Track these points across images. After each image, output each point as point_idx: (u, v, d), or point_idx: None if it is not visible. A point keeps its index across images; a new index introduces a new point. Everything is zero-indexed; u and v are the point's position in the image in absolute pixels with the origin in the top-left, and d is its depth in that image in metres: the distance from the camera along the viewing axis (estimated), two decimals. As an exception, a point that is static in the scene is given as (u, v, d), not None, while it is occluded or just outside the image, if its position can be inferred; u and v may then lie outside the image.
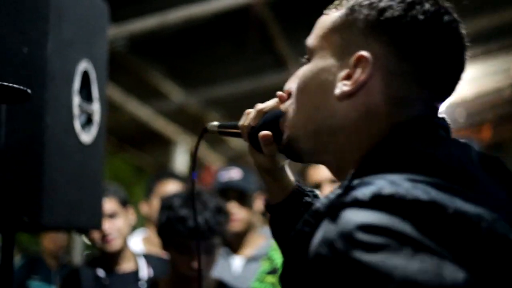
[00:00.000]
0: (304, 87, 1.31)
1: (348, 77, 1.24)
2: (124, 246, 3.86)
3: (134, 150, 9.02)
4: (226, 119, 8.38)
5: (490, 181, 1.17)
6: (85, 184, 2.54)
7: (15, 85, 1.60)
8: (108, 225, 3.74)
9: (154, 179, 4.89)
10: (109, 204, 3.83)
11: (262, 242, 3.87)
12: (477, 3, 6.57)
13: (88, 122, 2.57)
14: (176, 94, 7.26)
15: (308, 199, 1.60)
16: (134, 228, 4.22)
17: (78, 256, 6.65)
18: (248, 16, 5.38)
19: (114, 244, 3.80)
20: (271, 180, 1.60)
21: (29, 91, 1.63)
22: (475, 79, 8.54)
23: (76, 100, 2.44)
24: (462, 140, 1.25)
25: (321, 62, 1.29)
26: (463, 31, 1.29)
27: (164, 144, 8.41)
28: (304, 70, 1.33)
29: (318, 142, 1.29)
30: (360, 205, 0.99)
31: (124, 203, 3.95)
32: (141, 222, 5.46)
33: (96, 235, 3.82)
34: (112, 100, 6.17)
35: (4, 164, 2.20)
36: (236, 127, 1.61)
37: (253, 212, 3.98)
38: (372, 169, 1.12)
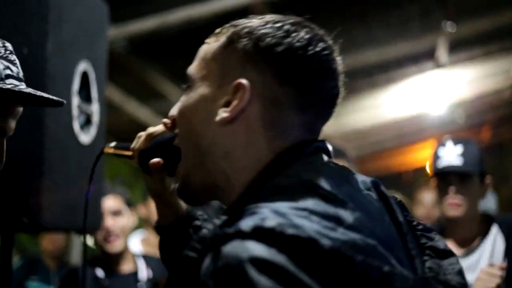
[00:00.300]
0: (186, 116, 1.32)
1: (227, 104, 1.25)
2: (125, 247, 3.86)
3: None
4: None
5: (374, 204, 1.24)
6: (85, 185, 2.54)
7: (54, 98, 1.64)
8: (111, 223, 3.73)
9: None
10: (114, 202, 3.83)
11: None
12: (477, 4, 6.58)
13: (87, 122, 2.57)
14: (175, 95, 7.25)
15: (197, 222, 1.58)
16: (132, 229, 4.21)
17: (76, 257, 6.64)
18: (247, 16, 5.38)
19: (116, 245, 3.79)
20: (161, 204, 1.60)
21: (63, 101, 1.68)
22: (475, 80, 8.55)
23: (76, 100, 2.44)
24: (339, 165, 1.28)
25: (201, 90, 1.31)
26: (337, 57, 1.32)
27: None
28: (185, 100, 1.34)
29: (206, 173, 1.29)
30: (242, 236, 0.99)
31: (129, 203, 3.95)
32: (139, 223, 5.45)
33: (98, 235, 3.81)
34: (111, 101, 6.16)
35: (4, 165, 2.20)
36: (129, 149, 1.61)
37: None
38: (257, 197, 1.13)
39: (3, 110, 1.60)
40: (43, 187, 2.22)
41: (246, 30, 1.29)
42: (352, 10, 5.99)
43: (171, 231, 1.59)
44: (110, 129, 4.44)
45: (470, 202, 3.12)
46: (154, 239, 4.10)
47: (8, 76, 1.57)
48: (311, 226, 1.02)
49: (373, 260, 1.02)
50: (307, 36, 1.27)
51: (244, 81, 1.23)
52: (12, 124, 1.64)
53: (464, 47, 7.43)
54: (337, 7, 5.89)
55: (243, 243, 0.98)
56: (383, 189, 1.31)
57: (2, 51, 1.61)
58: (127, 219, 3.86)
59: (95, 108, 2.61)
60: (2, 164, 1.66)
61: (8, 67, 1.59)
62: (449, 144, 3.21)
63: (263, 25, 1.29)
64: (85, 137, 2.52)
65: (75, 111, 2.43)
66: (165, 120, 1.46)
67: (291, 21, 1.31)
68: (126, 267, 3.84)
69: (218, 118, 1.25)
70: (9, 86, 1.54)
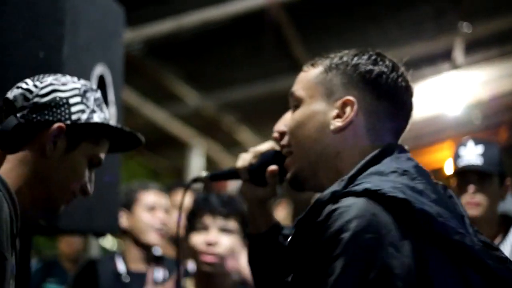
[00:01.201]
0: (302, 126, 1.69)
1: (337, 116, 1.64)
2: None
3: (150, 153, 9.04)
4: (241, 122, 8.40)
5: (446, 195, 1.63)
6: (102, 188, 2.55)
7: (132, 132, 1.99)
8: (163, 217, 3.85)
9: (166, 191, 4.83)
10: (165, 199, 3.95)
11: None
12: (493, 4, 6.55)
13: (104, 125, 2.57)
14: (191, 97, 7.27)
15: (287, 231, 2.01)
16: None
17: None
18: (263, 19, 5.38)
19: (152, 237, 3.84)
20: (261, 212, 2.04)
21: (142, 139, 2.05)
22: (491, 81, 8.50)
23: (92, 104, 2.44)
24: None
25: (312, 106, 1.68)
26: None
27: (180, 148, 8.42)
28: (298, 114, 1.71)
29: (319, 168, 1.67)
30: (356, 195, 1.43)
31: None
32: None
33: (147, 221, 3.86)
34: (128, 104, 6.18)
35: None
36: (228, 172, 2.10)
37: None
38: (362, 177, 1.53)
39: (102, 142, 1.92)
40: (60, 190, 2.23)
41: (341, 60, 1.69)
42: (367, 11, 5.98)
43: (263, 239, 2.03)
44: (127, 132, 4.44)
45: (489, 202, 3.11)
46: (170, 244, 4.15)
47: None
48: (405, 192, 1.44)
49: (451, 222, 1.44)
50: (390, 63, 1.68)
51: (351, 98, 1.63)
52: (103, 156, 1.95)
53: (481, 48, 7.40)
54: (352, 8, 5.88)
55: (357, 199, 1.42)
56: (448, 190, 1.67)
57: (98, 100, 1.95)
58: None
59: (111, 111, 2.61)
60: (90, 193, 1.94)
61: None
62: (470, 144, 3.22)
63: (353, 57, 1.68)
64: (102, 140, 2.52)
65: (91, 114, 2.44)
66: (274, 134, 1.92)
67: (373, 52, 1.70)
68: (143, 265, 3.84)
69: (332, 127, 1.64)
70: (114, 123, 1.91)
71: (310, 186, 1.73)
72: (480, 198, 3.09)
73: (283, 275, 1.58)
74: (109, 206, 2.63)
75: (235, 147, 8.96)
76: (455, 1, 6.26)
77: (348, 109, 1.63)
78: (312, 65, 1.74)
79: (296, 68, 6.74)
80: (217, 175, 2.15)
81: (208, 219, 2.95)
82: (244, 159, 2.01)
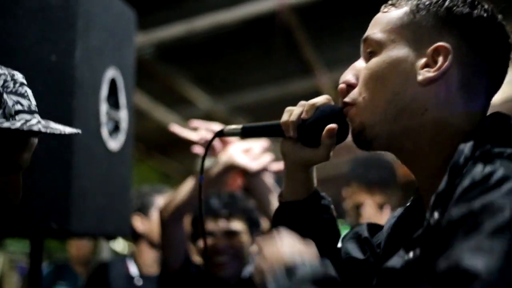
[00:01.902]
0: (381, 76, 1.42)
1: (426, 65, 1.39)
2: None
3: (162, 156, 9.05)
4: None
5: None
6: (113, 191, 2.56)
7: (66, 131, 1.66)
8: None
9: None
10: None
11: None
12: (499, 8, 6.53)
13: (115, 129, 2.58)
14: (203, 101, 7.28)
15: (325, 202, 1.68)
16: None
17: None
18: (274, 22, 5.38)
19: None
20: (303, 176, 1.66)
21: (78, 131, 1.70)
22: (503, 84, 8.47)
23: (104, 107, 2.45)
24: None
25: (395, 53, 1.42)
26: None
27: (191, 151, 8.42)
28: (377, 61, 1.44)
29: (397, 126, 1.41)
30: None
31: None
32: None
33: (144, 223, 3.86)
34: (139, 107, 6.19)
35: (32, 171, 2.22)
36: (269, 126, 1.66)
37: None
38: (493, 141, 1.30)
39: (15, 145, 1.57)
40: (71, 193, 2.24)
41: (431, 0, 1.42)
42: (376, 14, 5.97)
43: (305, 206, 1.66)
44: (139, 135, 4.46)
45: None
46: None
47: (18, 112, 1.55)
48: None
49: None
50: (490, 9, 1.42)
51: (446, 44, 1.37)
52: (27, 156, 1.62)
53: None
54: (363, 11, 5.87)
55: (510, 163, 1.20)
56: None
57: (11, 85, 1.57)
58: None
59: (123, 115, 2.62)
60: (19, 199, 1.61)
61: (18, 102, 1.56)
62: None
63: None
64: (114, 144, 2.53)
65: (103, 118, 2.44)
66: (341, 85, 1.51)
67: None
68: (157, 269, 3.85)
69: (421, 77, 1.38)
70: (18, 124, 1.50)
71: (381, 145, 1.46)
72: None
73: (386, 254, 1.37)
74: (120, 209, 2.64)
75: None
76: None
77: (441, 58, 1.38)
78: (393, 4, 1.48)
79: (307, 71, 6.76)
80: (253, 129, 1.72)
81: (210, 224, 2.86)
82: (292, 113, 1.61)
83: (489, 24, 1.41)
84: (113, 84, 2.54)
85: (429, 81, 1.38)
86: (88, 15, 2.36)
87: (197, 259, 3.08)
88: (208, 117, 7.49)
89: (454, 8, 1.40)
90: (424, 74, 1.38)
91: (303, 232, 1.58)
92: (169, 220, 2.77)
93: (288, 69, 6.75)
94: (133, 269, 3.86)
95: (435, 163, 1.39)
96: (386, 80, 1.42)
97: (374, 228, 1.68)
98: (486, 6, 1.42)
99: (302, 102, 1.61)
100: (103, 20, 2.49)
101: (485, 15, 1.41)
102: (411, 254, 1.31)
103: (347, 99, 1.49)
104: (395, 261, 1.37)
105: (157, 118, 7.14)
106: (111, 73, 2.52)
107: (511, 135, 1.35)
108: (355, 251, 1.63)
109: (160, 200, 3.92)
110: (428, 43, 1.40)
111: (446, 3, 1.41)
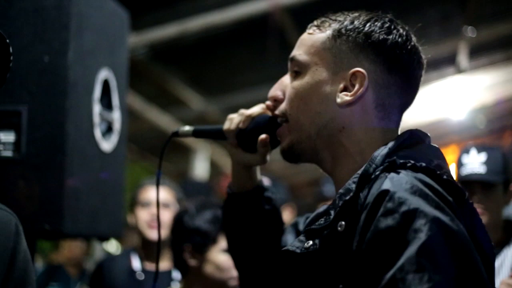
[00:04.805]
0: (304, 96, 1.56)
1: (345, 88, 1.52)
2: (164, 242, 3.89)
3: (155, 158, 9.05)
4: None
5: None
6: (106, 192, 2.55)
7: None
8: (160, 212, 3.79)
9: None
10: (166, 194, 3.91)
11: None
12: (497, 9, 6.55)
13: (108, 130, 2.58)
14: (196, 101, 7.28)
15: (269, 194, 1.91)
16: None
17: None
18: (267, 23, 5.38)
19: (149, 232, 3.83)
20: (247, 174, 1.89)
21: None
22: (495, 85, 8.50)
23: (97, 108, 2.45)
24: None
25: (316, 75, 1.56)
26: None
27: (184, 152, 8.42)
28: (300, 83, 1.58)
29: (319, 142, 1.55)
30: (415, 169, 1.38)
31: (178, 201, 3.98)
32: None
33: (143, 218, 3.84)
34: (132, 108, 6.19)
35: (25, 172, 2.22)
36: (214, 130, 1.90)
37: None
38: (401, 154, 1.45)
39: None
40: (64, 194, 2.23)
41: (352, 26, 1.55)
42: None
43: (248, 197, 1.88)
44: (131, 136, 4.45)
45: (493, 210, 3.07)
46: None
47: None
48: (433, 167, 1.40)
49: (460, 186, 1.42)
50: (404, 32, 1.55)
51: (362, 70, 1.51)
52: None
53: (485, 52, 7.40)
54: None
55: (415, 173, 1.37)
56: None
57: None
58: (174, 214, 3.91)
59: (116, 116, 2.62)
60: None
61: None
62: (473, 151, 3.17)
63: (366, 22, 1.55)
64: (107, 145, 2.53)
65: (96, 119, 2.44)
66: (268, 102, 1.73)
67: (386, 18, 1.57)
68: (161, 264, 3.85)
69: (339, 100, 1.52)
70: None
71: (307, 159, 1.61)
72: (484, 207, 3.04)
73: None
74: (113, 210, 2.63)
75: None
76: (460, 5, 6.26)
77: (357, 82, 1.51)
78: (318, 27, 1.61)
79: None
80: (201, 131, 1.93)
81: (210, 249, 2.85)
82: (232, 121, 1.84)
83: (403, 47, 1.53)
84: (106, 84, 2.54)
85: (346, 104, 1.52)
86: (81, 16, 2.36)
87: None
88: (201, 118, 7.50)
89: (372, 33, 1.53)
90: (342, 98, 1.52)
91: (246, 220, 1.87)
92: None
93: (281, 69, 6.69)
94: (136, 263, 3.86)
95: (348, 172, 1.50)
96: (309, 100, 1.56)
97: (313, 218, 1.78)
98: (401, 31, 1.55)
99: (241, 111, 1.83)
100: (96, 21, 2.49)
101: (399, 40, 1.53)
102: (310, 242, 1.44)
103: (276, 112, 1.66)
104: (296, 244, 1.47)
105: (150, 118, 7.14)
106: (104, 73, 2.52)
107: (418, 149, 1.50)
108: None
109: (141, 195, 3.95)
110: (347, 68, 1.52)
111: (365, 29, 1.53)
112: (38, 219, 2.22)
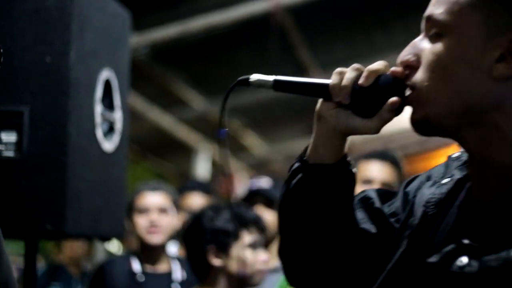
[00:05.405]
0: (450, 65, 1.26)
1: (502, 57, 1.22)
2: (164, 245, 3.88)
3: (156, 158, 9.05)
4: (247, 127, 8.40)
5: None
6: (108, 192, 2.56)
7: None
8: (156, 217, 3.79)
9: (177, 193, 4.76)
10: (162, 199, 3.88)
11: None
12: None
13: (110, 130, 2.58)
14: (197, 102, 7.28)
15: (352, 168, 1.50)
16: (173, 230, 4.18)
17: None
18: (268, 24, 5.39)
19: (158, 238, 3.82)
20: (339, 144, 1.47)
21: None
22: None
23: (99, 108, 2.45)
24: None
25: (463, 40, 1.25)
26: None
27: (186, 152, 8.43)
28: (443, 49, 1.26)
29: (466, 120, 1.26)
30: None
31: (175, 203, 3.98)
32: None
33: (142, 224, 3.84)
34: (134, 109, 6.19)
35: (27, 172, 2.22)
36: (314, 84, 1.46)
37: None
38: None
39: None
40: (66, 195, 2.24)
41: None
42: (374, 15, 5.98)
43: (334, 169, 1.46)
44: (133, 136, 4.45)
45: None
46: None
47: None
48: None
49: None
50: None
51: None
52: None
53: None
54: (358, 12, 5.88)
55: None
56: None
57: None
58: (172, 218, 3.89)
59: (118, 116, 2.62)
60: None
61: None
62: None
63: None
64: (108, 145, 2.53)
65: (98, 119, 2.44)
66: (396, 68, 1.37)
67: None
68: (160, 266, 3.86)
69: (496, 72, 1.22)
70: None
71: (445, 134, 1.32)
72: None
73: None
74: (115, 210, 2.64)
75: (241, 152, 8.97)
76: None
77: None
78: None
79: (301, 73, 6.78)
80: (289, 83, 1.50)
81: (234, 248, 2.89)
82: (345, 76, 1.39)
83: None
84: (107, 85, 2.54)
85: (504, 78, 1.22)
86: (82, 16, 2.36)
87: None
88: (203, 118, 7.51)
89: None
90: (500, 69, 1.22)
91: (327, 196, 1.46)
92: None
93: (283, 70, 6.73)
94: (136, 266, 3.87)
95: (504, 163, 1.25)
96: (455, 70, 1.25)
97: (385, 195, 1.53)
98: None
99: (356, 66, 1.41)
100: (98, 21, 2.49)
101: None
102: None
103: (412, 81, 1.32)
104: (496, 259, 1.16)
105: (152, 119, 7.14)
106: (105, 74, 2.52)
107: None
108: (365, 222, 1.49)
109: (137, 200, 3.91)
110: (503, 32, 1.21)
111: None
112: (40, 219, 2.22)
